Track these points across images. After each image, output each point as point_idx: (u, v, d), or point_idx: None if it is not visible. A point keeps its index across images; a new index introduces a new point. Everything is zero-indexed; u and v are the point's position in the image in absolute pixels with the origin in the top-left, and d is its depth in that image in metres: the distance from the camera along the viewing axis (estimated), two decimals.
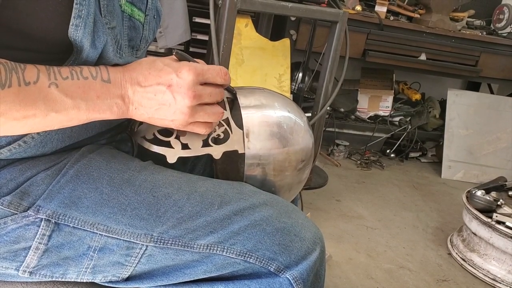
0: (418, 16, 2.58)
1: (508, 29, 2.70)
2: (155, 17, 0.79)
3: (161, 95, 0.60)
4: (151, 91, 0.61)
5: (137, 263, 0.64)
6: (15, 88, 0.52)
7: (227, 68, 1.72)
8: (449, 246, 1.98)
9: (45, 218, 0.61)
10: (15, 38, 0.58)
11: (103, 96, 0.59)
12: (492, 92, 3.14)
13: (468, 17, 2.79)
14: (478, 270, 1.79)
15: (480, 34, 2.64)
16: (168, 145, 0.68)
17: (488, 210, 1.77)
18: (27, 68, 0.54)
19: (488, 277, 1.76)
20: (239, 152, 0.71)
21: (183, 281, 0.65)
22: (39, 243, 0.61)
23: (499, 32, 2.74)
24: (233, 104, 0.75)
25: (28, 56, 0.59)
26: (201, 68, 0.62)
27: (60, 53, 0.61)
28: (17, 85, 0.53)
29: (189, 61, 0.64)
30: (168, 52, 2.34)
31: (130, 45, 0.73)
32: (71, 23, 0.57)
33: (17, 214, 0.61)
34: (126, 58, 0.71)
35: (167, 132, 0.69)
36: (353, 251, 1.83)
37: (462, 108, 2.81)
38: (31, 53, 0.60)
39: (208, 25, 1.99)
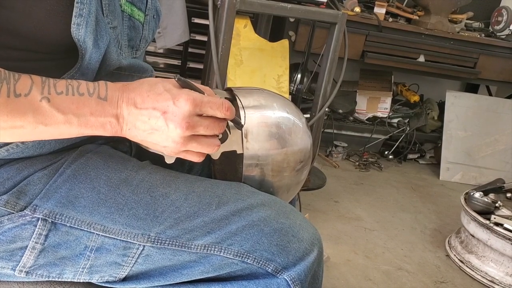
0: (417, 17, 2.59)
1: (506, 31, 2.71)
2: (155, 17, 0.79)
3: (154, 120, 0.58)
4: (145, 114, 0.58)
5: (134, 263, 0.64)
6: (3, 99, 0.52)
7: (226, 69, 1.72)
8: (447, 248, 1.98)
9: (41, 218, 0.61)
10: (14, 38, 0.57)
11: (96, 113, 0.57)
12: (490, 94, 3.15)
13: (467, 19, 2.79)
14: (476, 272, 1.79)
15: (478, 36, 2.65)
16: None
17: (486, 212, 1.77)
18: (20, 79, 0.54)
19: (486, 279, 1.76)
20: (238, 152, 0.71)
21: (180, 281, 0.65)
22: (36, 242, 0.61)
23: (498, 34, 2.75)
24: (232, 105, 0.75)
25: (28, 56, 0.59)
26: (200, 100, 0.59)
27: (60, 54, 0.61)
28: (5, 95, 0.52)
29: (192, 89, 0.61)
30: (167, 52, 2.34)
31: (130, 45, 0.73)
32: (72, 22, 0.57)
33: (13, 213, 0.60)
34: (129, 59, 0.71)
35: None
36: (351, 253, 1.83)
37: (460, 110, 2.82)
38: (31, 53, 0.60)
39: (207, 26, 1.99)
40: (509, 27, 2.69)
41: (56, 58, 0.62)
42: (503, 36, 2.72)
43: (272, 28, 2.34)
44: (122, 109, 0.59)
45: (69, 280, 0.65)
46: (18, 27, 0.56)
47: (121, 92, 0.59)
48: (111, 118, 0.58)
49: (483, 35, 2.70)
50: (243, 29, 1.91)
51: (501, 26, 2.72)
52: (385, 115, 2.85)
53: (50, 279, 0.65)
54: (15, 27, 0.56)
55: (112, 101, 0.58)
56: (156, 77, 0.65)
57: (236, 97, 0.74)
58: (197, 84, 0.63)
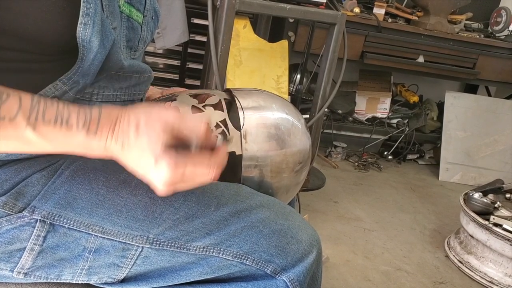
0: (416, 18, 2.59)
1: (505, 32, 2.71)
2: (153, 18, 0.79)
3: (140, 168, 0.55)
4: (131, 159, 0.55)
5: (133, 264, 0.63)
6: None
7: (225, 69, 1.71)
8: (446, 248, 1.98)
9: (40, 219, 0.60)
10: (11, 39, 0.57)
11: (83, 147, 0.55)
12: (489, 95, 3.15)
13: (466, 19, 2.79)
14: (475, 273, 1.80)
15: (477, 36, 2.65)
16: None
17: (485, 213, 1.77)
18: (8, 101, 0.51)
19: (485, 279, 1.76)
20: (237, 153, 0.71)
21: (179, 283, 0.65)
22: (34, 244, 0.61)
23: (497, 34, 2.75)
24: (231, 106, 0.75)
25: (25, 57, 0.59)
26: (183, 162, 0.53)
27: (58, 55, 0.61)
28: None
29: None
30: (167, 53, 2.34)
31: (128, 46, 0.72)
32: (79, 22, 0.57)
33: (12, 214, 0.60)
34: (128, 60, 0.70)
35: None
36: (351, 253, 1.83)
37: (459, 110, 2.82)
38: (29, 54, 0.59)
39: (206, 26, 1.99)
40: (508, 28, 2.69)
41: (54, 60, 0.62)
42: (502, 37, 2.73)
43: (272, 28, 2.33)
44: (111, 148, 0.55)
45: (67, 281, 0.65)
46: (15, 28, 0.56)
47: (111, 130, 0.55)
48: (99, 153, 0.56)
49: (482, 35, 2.70)
50: (242, 30, 1.90)
51: (500, 26, 2.72)
52: (385, 116, 2.85)
53: (48, 281, 0.65)
54: (11, 28, 0.56)
55: (101, 137, 0.55)
56: (155, 77, 0.65)
57: (235, 98, 0.74)
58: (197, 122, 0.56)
